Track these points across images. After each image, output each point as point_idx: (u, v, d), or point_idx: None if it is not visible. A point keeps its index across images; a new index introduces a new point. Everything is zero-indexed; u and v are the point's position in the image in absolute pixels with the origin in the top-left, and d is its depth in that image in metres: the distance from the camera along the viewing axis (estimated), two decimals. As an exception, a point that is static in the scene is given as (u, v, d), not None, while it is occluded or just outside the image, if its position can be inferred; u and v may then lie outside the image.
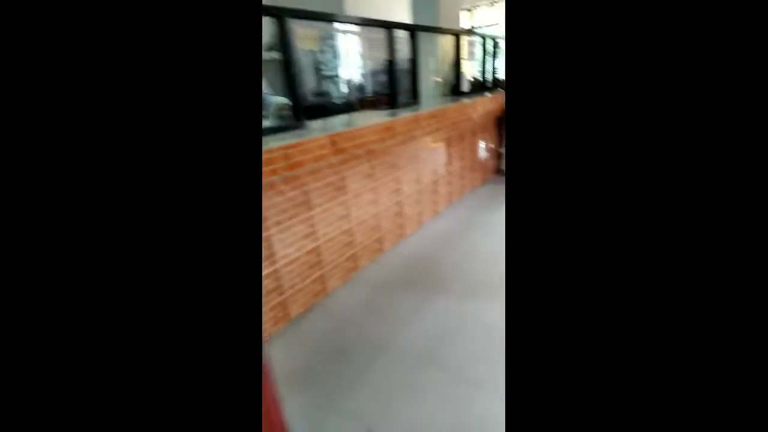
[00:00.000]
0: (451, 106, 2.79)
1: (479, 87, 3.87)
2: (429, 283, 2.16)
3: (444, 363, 1.57)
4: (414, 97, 2.79)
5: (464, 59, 3.51)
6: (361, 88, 4.09)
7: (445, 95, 3.48)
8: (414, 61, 2.67)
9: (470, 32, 3.61)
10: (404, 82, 2.73)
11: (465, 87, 3.56)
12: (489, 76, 4.02)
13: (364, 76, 4.25)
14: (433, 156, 2.94)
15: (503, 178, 4.10)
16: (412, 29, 2.59)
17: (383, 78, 2.83)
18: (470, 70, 4.00)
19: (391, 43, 2.39)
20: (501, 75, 4.40)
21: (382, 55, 2.42)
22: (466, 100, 3.10)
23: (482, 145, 3.79)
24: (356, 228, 2.25)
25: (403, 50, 2.60)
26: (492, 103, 3.47)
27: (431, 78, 3.48)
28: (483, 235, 2.77)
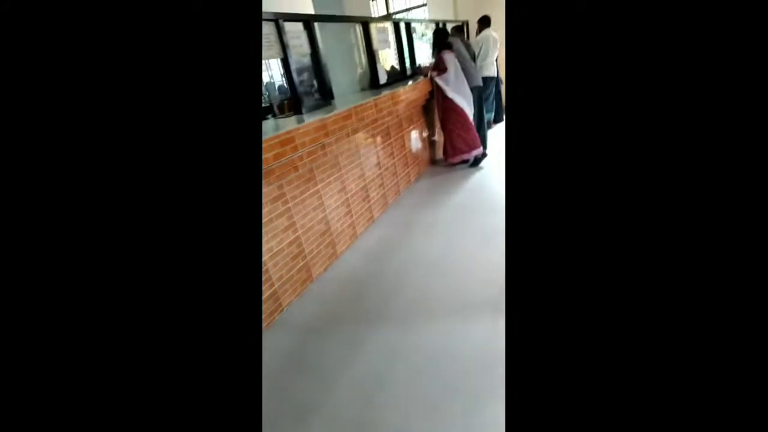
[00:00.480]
0: (368, 101, 2.49)
1: (399, 76, 3.61)
2: (364, 313, 1.86)
3: (386, 417, 1.29)
4: (324, 97, 2.44)
5: (378, 49, 3.22)
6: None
7: (363, 89, 3.17)
8: (316, 56, 2.32)
9: (384, 18, 3.33)
10: (309, 82, 2.38)
11: (383, 78, 3.27)
12: (408, 64, 3.78)
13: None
14: (356, 160, 2.63)
15: (439, 168, 3.90)
16: (307, 20, 2.23)
17: (283, 80, 2.44)
18: (389, 60, 3.72)
19: (281, 37, 2.02)
20: (421, 61, 4.18)
21: (276, 53, 2.05)
22: (385, 92, 2.82)
23: (412, 137, 3.55)
24: (273, 261, 1.89)
25: (301, 45, 2.24)
26: (414, 91, 3.23)
27: (345, 72, 3.15)
28: (423, 238, 2.53)
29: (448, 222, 2.69)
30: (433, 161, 4.13)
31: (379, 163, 2.94)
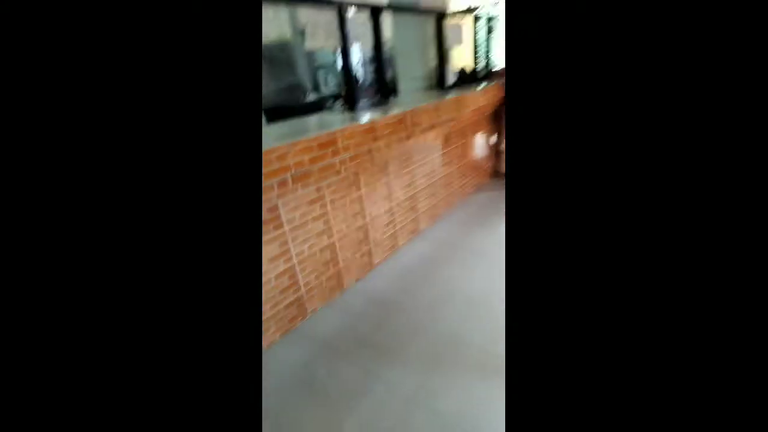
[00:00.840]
0: (426, 105, 2.26)
1: (470, 78, 3.30)
2: (387, 344, 1.67)
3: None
4: (383, 95, 2.26)
5: (451, 45, 2.95)
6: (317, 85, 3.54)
7: (429, 89, 2.94)
8: (379, 49, 2.14)
9: (462, 13, 3.04)
10: (370, 76, 2.21)
11: (451, 79, 3.00)
12: (483, 65, 3.45)
13: (317, 69, 3.67)
14: (407, 167, 2.43)
15: (501, 182, 3.54)
16: (374, 8, 2.05)
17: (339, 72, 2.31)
18: (462, 58, 3.42)
19: (342, 25, 1.86)
20: (497, 63, 3.81)
21: (334, 42, 1.91)
22: (451, 95, 2.56)
23: (475, 145, 3.24)
24: (302, 265, 1.77)
25: (364, 35, 2.07)
26: (484, 96, 2.91)
27: (412, 69, 2.94)
28: (469, 262, 2.26)
29: (498, 251, 2.38)
30: (496, 173, 3.78)
31: (432, 172, 2.71)
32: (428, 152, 2.61)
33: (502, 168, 3.84)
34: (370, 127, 1.83)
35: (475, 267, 2.21)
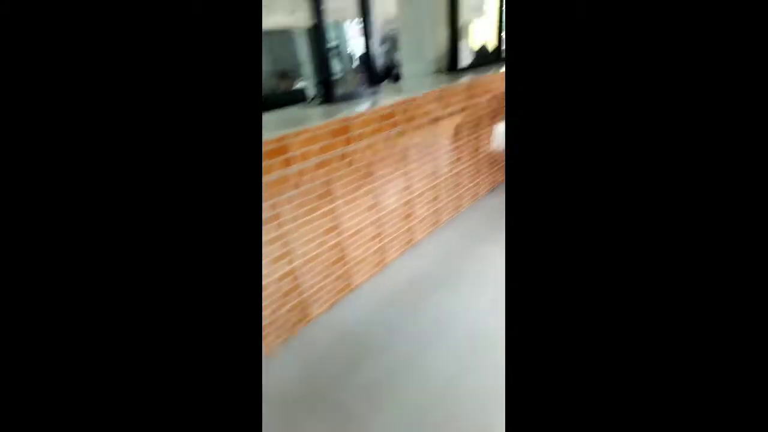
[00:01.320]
0: (422, 94, 1.81)
1: (490, 57, 2.77)
2: (348, 405, 1.33)
3: None
4: (373, 82, 1.83)
5: (469, 19, 2.44)
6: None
7: (439, 72, 2.46)
8: (366, 25, 1.70)
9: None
10: (358, 60, 1.78)
11: (466, 60, 2.50)
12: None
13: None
14: (401, 167, 2.01)
15: (520, 184, 3.05)
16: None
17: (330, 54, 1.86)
18: (483, 34, 2.89)
19: (312, -6, 1.43)
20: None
21: (303, 19, 1.49)
22: (464, 79, 2.09)
23: (492, 138, 2.76)
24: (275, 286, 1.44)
25: (345, 10, 1.63)
26: (502, 80, 2.41)
27: (421, 49, 2.45)
28: (464, 293, 1.86)
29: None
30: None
31: (435, 173, 2.28)
32: (430, 149, 2.17)
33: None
34: (342, 127, 1.42)
35: (476, 295, 1.81)
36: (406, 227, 2.19)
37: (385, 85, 2.24)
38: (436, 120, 1.94)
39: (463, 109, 2.10)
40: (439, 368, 1.44)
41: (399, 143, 1.76)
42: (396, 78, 2.19)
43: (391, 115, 1.62)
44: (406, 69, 2.62)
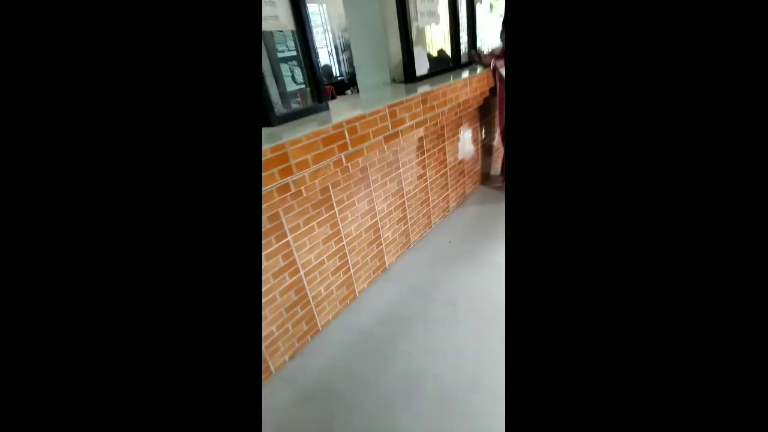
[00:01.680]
0: (372, 112, 1.63)
1: (451, 64, 2.65)
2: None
3: None
4: (320, 99, 1.63)
5: (424, 24, 2.30)
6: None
7: (396, 82, 2.30)
8: (303, 34, 1.51)
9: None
10: (298, 74, 1.58)
11: (423, 68, 2.35)
12: (467, 47, 2.79)
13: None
14: (360, 191, 1.82)
15: (492, 191, 2.93)
16: (292, -25, 1.41)
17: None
18: (440, 40, 2.77)
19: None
20: (487, 43, 3.15)
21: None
22: (423, 88, 1.93)
23: (458, 148, 2.62)
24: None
25: (277, 17, 1.43)
26: (466, 88, 2.27)
27: (374, 59, 2.29)
28: (435, 330, 1.67)
29: (489, 298, 1.79)
30: (487, 178, 3.16)
31: (400, 191, 2.10)
32: (392, 167, 2.00)
33: (493, 170, 3.23)
34: (280, 156, 1.22)
35: (450, 333, 1.62)
36: (374, 252, 1.99)
37: (342, 99, 2.06)
38: (391, 138, 1.76)
39: (420, 124, 1.94)
40: (409, 429, 1.23)
41: (355, 164, 1.57)
42: (347, 90, 2.02)
43: (338, 136, 1.42)
44: (361, 80, 2.45)
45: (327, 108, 1.66)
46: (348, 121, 1.45)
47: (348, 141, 1.47)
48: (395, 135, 1.74)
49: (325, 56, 5.25)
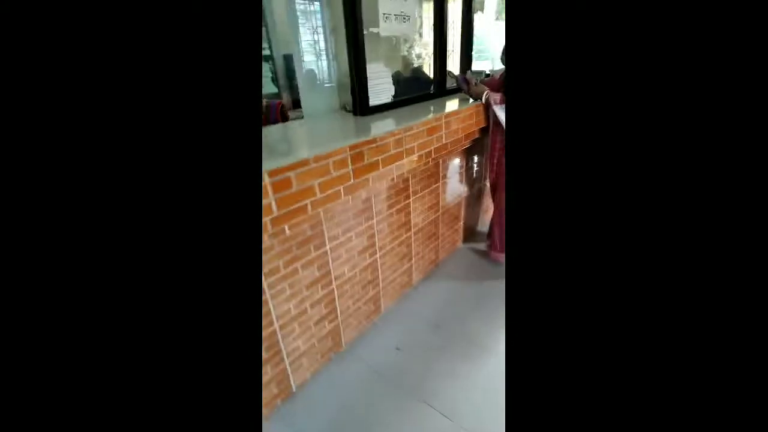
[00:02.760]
0: (319, 155, 0.96)
1: (429, 89, 1.96)
2: None
3: None
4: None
5: (381, 32, 1.62)
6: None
7: (345, 110, 1.62)
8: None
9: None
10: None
11: (386, 94, 1.67)
12: (461, 67, 2.10)
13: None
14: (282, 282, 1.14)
15: (474, 258, 2.25)
16: None
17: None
18: (417, 53, 2.08)
19: None
20: (487, 64, 2.46)
21: None
22: (377, 130, 1.26)
23: (429, 204, 1.94)
24: None
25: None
26: (443, 130, 1.59)
27: (319, 71, 1.61)
28: None
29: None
30: (470, 235, 2.47)
31: (372, 246, 1.42)
32: (341, 233, 1.32)
33: (480, 225, 2.54)
34: None
35: None
36: (326, 332, 1.32)
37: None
38: (329, 199, 1.09)
39: (350, 189, 1.26)
40: None
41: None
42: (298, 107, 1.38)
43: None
44: (305, 102, 1.76)
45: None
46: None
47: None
48: (328, 198, 1.06)
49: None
